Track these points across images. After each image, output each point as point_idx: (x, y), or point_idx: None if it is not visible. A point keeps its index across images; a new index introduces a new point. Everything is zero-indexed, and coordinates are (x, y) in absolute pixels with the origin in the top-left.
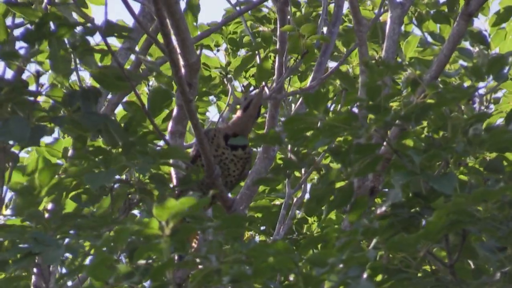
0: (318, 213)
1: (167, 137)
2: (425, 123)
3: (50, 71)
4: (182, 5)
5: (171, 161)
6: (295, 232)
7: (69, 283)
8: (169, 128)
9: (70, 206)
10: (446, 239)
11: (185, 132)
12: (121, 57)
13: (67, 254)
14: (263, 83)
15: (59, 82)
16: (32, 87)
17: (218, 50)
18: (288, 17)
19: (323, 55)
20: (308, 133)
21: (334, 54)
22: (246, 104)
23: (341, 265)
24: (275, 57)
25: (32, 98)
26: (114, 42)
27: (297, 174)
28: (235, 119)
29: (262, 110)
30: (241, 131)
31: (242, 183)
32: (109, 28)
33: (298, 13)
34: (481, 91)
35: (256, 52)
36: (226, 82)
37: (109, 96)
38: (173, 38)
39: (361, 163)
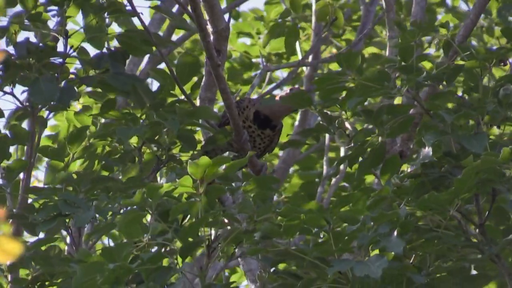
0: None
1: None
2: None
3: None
4: None
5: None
6: None
7: None
8: (199, 94)
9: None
10: (476, 199)
11: (215, 98)
12: (155, 24)
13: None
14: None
15: (94, 46)
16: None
17: (259, 38)
18: None
19: (359, 34)
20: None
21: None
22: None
23: (371, 223)
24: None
25: (60, 60)
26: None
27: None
28: (273, 102)
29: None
30: (272, 114)
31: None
32: None
33: None
34: None
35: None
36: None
37: (143, 64)
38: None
39: (393, 124)
